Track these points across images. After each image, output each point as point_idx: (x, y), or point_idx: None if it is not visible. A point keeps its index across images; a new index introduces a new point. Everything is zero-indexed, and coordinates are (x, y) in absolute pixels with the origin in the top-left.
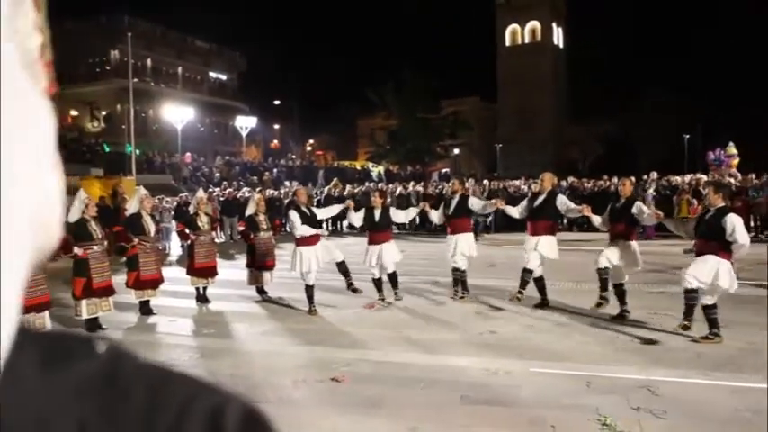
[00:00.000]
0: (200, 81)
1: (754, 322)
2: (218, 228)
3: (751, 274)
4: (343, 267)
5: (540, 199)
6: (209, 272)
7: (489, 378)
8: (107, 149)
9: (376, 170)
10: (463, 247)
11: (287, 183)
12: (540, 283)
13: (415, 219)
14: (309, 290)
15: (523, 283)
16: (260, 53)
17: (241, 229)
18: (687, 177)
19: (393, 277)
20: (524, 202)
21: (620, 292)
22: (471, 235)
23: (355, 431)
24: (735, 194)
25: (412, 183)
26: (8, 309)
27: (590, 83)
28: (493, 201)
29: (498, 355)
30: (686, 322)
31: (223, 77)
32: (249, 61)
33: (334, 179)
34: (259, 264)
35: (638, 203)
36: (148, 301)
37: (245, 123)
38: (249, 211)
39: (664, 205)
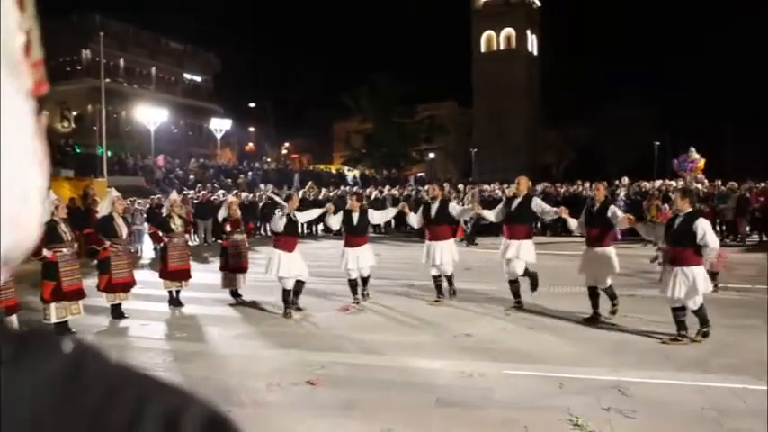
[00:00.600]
0: (173, 82)
1: (718, 323)
2: (192, 230)
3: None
4: (299, 287)
5: (517, 202)
6: (183, 275)
7: (463, 380)
8: (78, 150)
9: (351, 174)
10: (445, 255)
11: (262, 186)
12: (514, 286)
13: (390, 222)
14: (286, 294)
15: (516, 294)
16: (235, 55)
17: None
18: (657, 183)
19: (365, 280)
20: (500, 206)
21: (596, 295)
22: (452, 242)
23: None
24: (702, 200)
25: (387, 187)
26: None
27: (563, 89)
28: (470, 206)
29: (472, 357)
30: (680, 336)
31: (197, 79)
32: (224, 63)
33: (310, 182)
34: (233, 266)
35: (613, 207)
36: (120, 304)
37: (220, 126)
38: (222, 214)
39: (634, 210)
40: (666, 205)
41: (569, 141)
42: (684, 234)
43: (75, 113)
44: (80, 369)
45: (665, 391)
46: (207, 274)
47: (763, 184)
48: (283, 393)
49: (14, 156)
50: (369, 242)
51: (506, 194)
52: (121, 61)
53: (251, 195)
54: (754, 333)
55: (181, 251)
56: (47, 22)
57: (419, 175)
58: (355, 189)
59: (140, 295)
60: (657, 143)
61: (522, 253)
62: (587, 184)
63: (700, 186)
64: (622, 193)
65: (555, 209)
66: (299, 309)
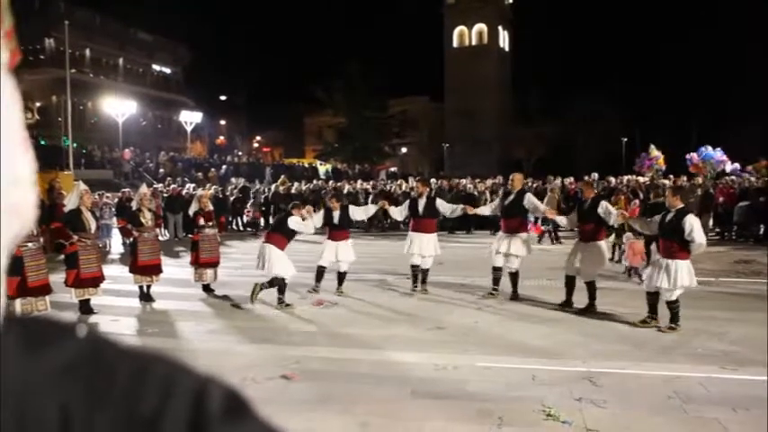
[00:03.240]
0: (142, 74)
1: (683, 315)
2: (162, 225)
3: None
4: (276, 282)
5: (511, 198)
6: (154, 270)
7: (438, 373)
8: (42, 143)
9: (323, 168)
10: (429, 248)
11: (233, 179)
12: (497, 273)
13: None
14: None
15: (515, 284)
16: (206, 47)
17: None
18: (625, 178)
19: (342, 276)
20: (497, 201)
21: (572, 285)
22: (435, 235)
23: (306, 428)
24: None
25: (360, 181)
26: None
27: (534, 85)
28: (461, 206)
29: (446, 350)
30: (649, 318)
31: (167, 71)
32: (194, 55)
33: (282, 176)
34: (204, 261)
35: (604, 203)
36: (89, 300)
37: (190, 118)
38: (193, 208)
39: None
40: (637, 200)
41: (539, 137)
42: (674, 229)
43: (38, 104)
44: (100, 352)
45: (633, 381)
46: (178, 268)
47: (726, 179)
48: (258, 388)
49: (2, 139)
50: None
51: (478, 190)
52: (87, 51)
53: (222, 189)
54: (717, 324)
55: (151, 245)
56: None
57: (391, 169)
58: (330, 183)
59: (110, 290)
60: (625, 139)
61: (518, 248)
62: (558, 180)
63: (667, 183)
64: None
65: (545, 207)
66: (287, 305)
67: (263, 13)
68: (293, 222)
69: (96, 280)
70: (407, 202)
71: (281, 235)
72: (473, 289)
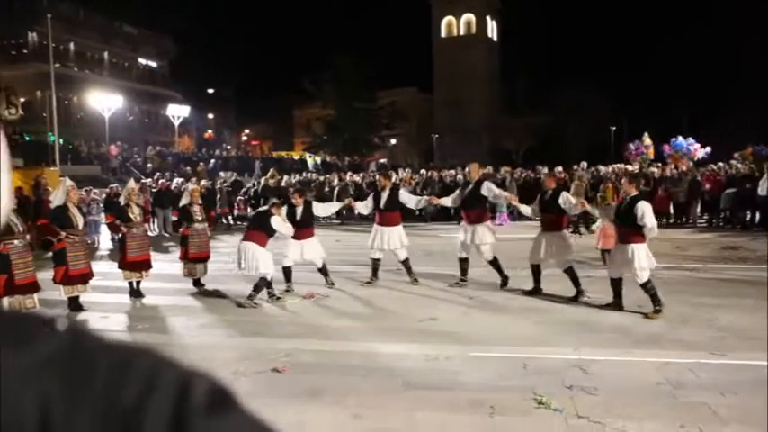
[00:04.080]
0: (128, 67)
1: (672, 301)
2: (151, 220)
3: (668, 258)
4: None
5: (469, 188)
6: (143, 265)
7: (429, 364)
8: (27, 138)
9: (312, 160)
10: (394, 241)
11: (222, 173)
12: (465, 264)
13: (342, 212)
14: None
15: (499, 270)
16: (192, 39)
17: (174, 219)
18: (611, 167)
19: (323, 270)
20: (456, 192)
21: (538, 272)
22: (400, 227)
23: (298, 421)
24: (657, 184)
25: (349, 173)
26: None
27: (522, 75)
28: (426, 197)
29: (437, 340)
30: (655, 308)
31: (153, 64)
32: (181, 48)
33: (271, 169)
34: (194, 255)
35: (565, 194)
36: (78, 296)
37: (178, 112)
38: (184, 201)
39: (591, 193)
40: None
41: (528, 127)
42: (627, 215)
43: (22, 100)
44: (80, 346)
45: (623, 368)
46: (167, 264)
47: (712, 167)
48: (249, 381)
49: None
50: (334, 231)
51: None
52: (72, 45)
53: (211, 183)
54: (705, 310)
55: (140, 241)
56: None
57: (381, 161)
58: (315, 176)
59: (99, 287)
60: (613, 128)
61: (481, 237)
62: (546, 169)
63: (656, 171)
64: (584, 177)
65: (506, 194)
66: (278, 298)
67: (250, 5)
68: (276, 223)
69: (85, 277)
70: (371, 195)
71: (262, 233)
72: (468, 276)
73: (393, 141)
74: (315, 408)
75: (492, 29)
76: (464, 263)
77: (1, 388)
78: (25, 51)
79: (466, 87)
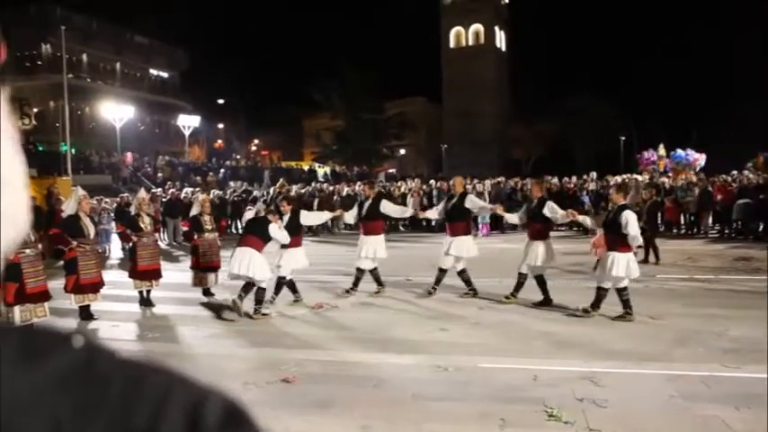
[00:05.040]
0: (139, 78)
1: (684, 313)
2: (161, 229)
3: (679, 269)
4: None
5: (453, 201)
6: (153, 274)
7: (439, 375)
8: (40, 148)
9: (322, 170)
10: (369, 250)
11: (231, 183)
12: (442, 273)
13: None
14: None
15: (467, 282)
16: (203, 50)
17: (185, 229)
18: (621, 177)
19: (289, 283)
20: (441, 205)
21: (521, 283)
22: (381, 237)
23: (307, 431)
24: (667, 193)
25: (358, 183)
26: None
27: (531, 85)
28: (411, 208)
29: (447, 351)
30: (592, 308)
31: (164, 75)
32: (192, 59)
33: (281, 180)
34: (204, 265)
35: (550, 203)
36: (89, 305)
37: (188, 122)
38: (194, 211)
39: (599, 203)
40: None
41: (538, 136)
42: (613, 223)
43: (36, 110)
44: (94, 363)
45: (634, 381)
46: (178, 273)
47: (724, 177)
48: (259, 392)
49: None
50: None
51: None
52: (84, 56)
53: (221, 193)
54: (718, 322)
55: (151, 250)
56: (3, 14)
57: (390, 171)
58: (326, 186)
59: (109, 296)
60: (623, 138)
61: (461, 249)
62: (555, 179)
63: (666, 180)
64: (591, 187)
65: (490, 206)
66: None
67: (259, 17)
68: (273, 230)
69: (96, 285)
70: (356, 204)
71: (259, 239)
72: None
73: (402, 151)
74: (324, 419)
75: (500, 39)
76: (441, 273)
77: (14, 405)
78: (39, 62)
79: (474, 97)
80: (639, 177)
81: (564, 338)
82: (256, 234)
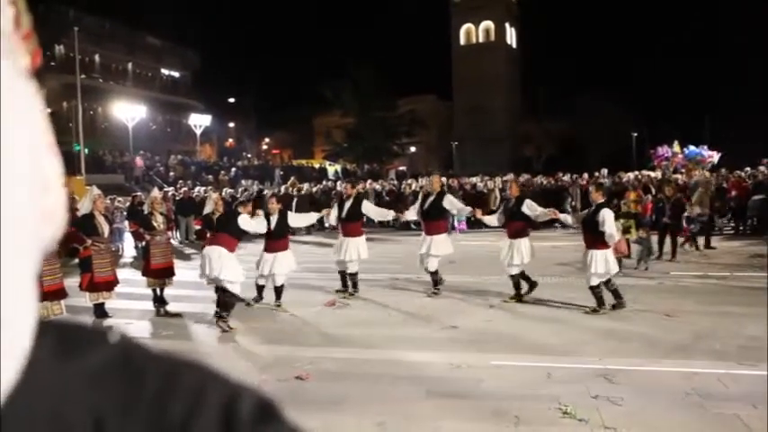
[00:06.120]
0: (151, 78)
1: (699, 311)
2: (174, 228)
3: (694, 266)
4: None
5: (430, 200)
6: (166, 273)
7: (453, 372)
8: None
9: (333, 168)
10: (352, 251)
11: (243, 182)
12: (434, 276)
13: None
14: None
15: (435, 283)
16: (214, 50)
17: (197, 227)
18: (632, 174)
19: (278, 290)
20: (416, 204)
21: (517, 280)
22: (361, 238)
23: (322, 429)
24: (680, 190)
25: (369, 181)
26: (26, 300)
27: (542, 82)
28: (392, 213)
29: (460, 348)
30: (598, 307)
31: (176, 74)
32: (203, 58)
33: (292, 178)
34: None
35: (528, 201)
36: (103, 303)
37: (200, 121)
38: (207, 209)
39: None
40: (649, 195)
41: (549, 134)
42: (592, 221)
43: (49, 111)
44: (130, 359)
45: (650, 378)
46: (190, 271)
47: (738, 173)
48: (273, 389)
49: (28, 145)
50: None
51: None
52: (97, 57)
53: (233, 191)
54: (734, 319)
55: (164, 249)
56: None
57: (401, 168)
58: (339, 184)
59: (123, 294)
60: (635, 134)
61: (437, 248)
62: (567, 176)
63: (680, 177)
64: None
65: (468, 207)
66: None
67: (269, 16)
68: (243, 222)
69: (110, 284)
70: (336, 203)
71: (231, 236)
72: (486, 287)
73: (413, 149)
74: (338, 416)
75: (511, 36)
76: (434, 275)
77: (56, 399)
78: (52, 63)
79: (485, 94)
80: (652, 174)
81: (577, 336)
82: (227, 231)
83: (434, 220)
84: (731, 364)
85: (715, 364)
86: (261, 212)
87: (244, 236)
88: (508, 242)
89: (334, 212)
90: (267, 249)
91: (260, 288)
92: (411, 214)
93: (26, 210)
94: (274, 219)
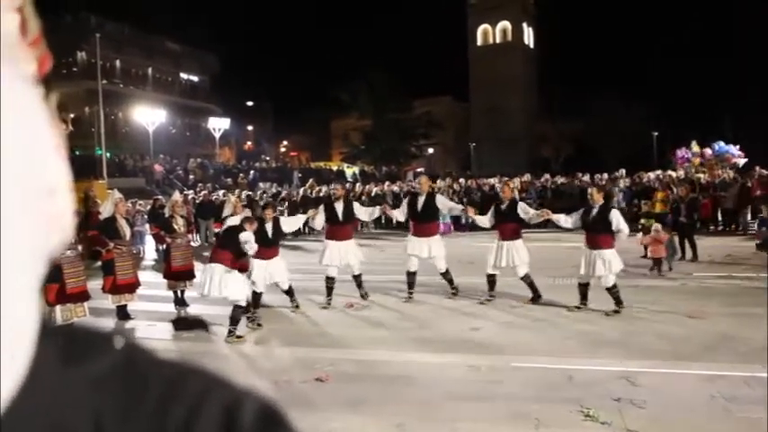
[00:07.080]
0: (170, 82)
1: (723, 312)
2: (194, 230)
3: (718, 266)
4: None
5: (421, 201)
6: (187, 275)
7: (473, 374)
8: (76, 153)
9: (351, 171)
10: (346, 256)
11: (261, 184)
12: (411, 277)
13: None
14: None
15: (451, 282)
16: (232, 54)
17: (217, 230)
18: (656, 174)
19: (289, 292)
20: (404, 206)
21: (531, 281)
22: (353, 242)
23: (342, 430)
24: (703, 189)
25: (387, 183)
26: (25, 304)
27: (560, 82)
28: (378, 209)
29: (480, 351)
30: (617, 307)
31: (195, 79)
32: (222, 62)
33: (310, 180)
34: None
35: (522, 204)
36: (126, 305)
37: (218, 125)
38: (226, 212)
39: (630, 203)
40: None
41: (566, 134)
42: (599, 222)
43: (72, 116)
44: (134, 364)
45: (673, 381)
46: None
47: (763, 171)
48: (292, 391)
49: (31, 151)
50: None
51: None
52: (117, 62)
53: (252, 194)
54: (758, 321)
55: (184, 251)
56: (40, 24)
57: (418, 170)
58: (358, 186)
59: (145, 296)
60: (656, 133)
61: (438, 249)
62: (586, 177)
63: (702, 176)
64: (622, 184)
65: (461, 206)
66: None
67: (287, 19)
68: (245, 238)
69: (132, 286)
70: (322, 207)
71: (230, 252)
72: (505, 290)
73: (430, 150)
74: (357, 417)
75: (528, 36)
76: (411, 276)
77: (58, 404)
78: (75, 69)
79: (502, 95)
80: (673, 174)
81: (598, 338)
82: (227, 247)
83: (429, 221)
84: (756, 366)
85: (740, 367)
86: (253, 226)
87: (244, 256)
88: (500, 244)
89: (320, 217)
90: (258, 256)
91: (255, 296)
92: (399, 215)
93: (19, 211)
94: (270, 226)
